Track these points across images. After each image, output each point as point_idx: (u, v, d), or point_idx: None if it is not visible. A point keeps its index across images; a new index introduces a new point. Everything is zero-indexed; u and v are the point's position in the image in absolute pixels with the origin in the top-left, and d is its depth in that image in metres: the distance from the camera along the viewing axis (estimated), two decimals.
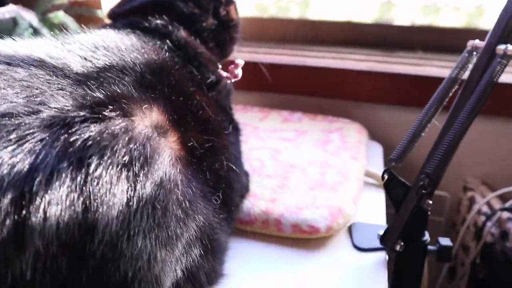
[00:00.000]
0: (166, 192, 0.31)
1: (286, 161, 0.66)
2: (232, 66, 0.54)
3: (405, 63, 0.90)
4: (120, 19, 0.53)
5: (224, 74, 0.54)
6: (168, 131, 0.36)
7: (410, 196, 0.49)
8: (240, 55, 0.60)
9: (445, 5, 0.95)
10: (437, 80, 0.82)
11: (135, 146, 0.30)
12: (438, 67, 0.87)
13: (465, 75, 0.49)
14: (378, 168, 0.72)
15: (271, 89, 0.91)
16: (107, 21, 0.56)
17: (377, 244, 0.52)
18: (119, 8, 0.56)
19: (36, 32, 0.91)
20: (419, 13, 0.98)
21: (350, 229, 0.56)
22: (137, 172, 0.29)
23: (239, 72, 0.54)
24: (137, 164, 0.29)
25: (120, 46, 0.42)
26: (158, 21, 0.50)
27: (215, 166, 0.43)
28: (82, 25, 0.50)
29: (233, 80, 0.55)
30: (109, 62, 0.39)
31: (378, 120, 0.87)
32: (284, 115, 0.84)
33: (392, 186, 0.50)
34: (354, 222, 0.57)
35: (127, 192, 0.28)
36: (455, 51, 0.89)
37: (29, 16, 0.88)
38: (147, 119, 0.34)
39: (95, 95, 0.32)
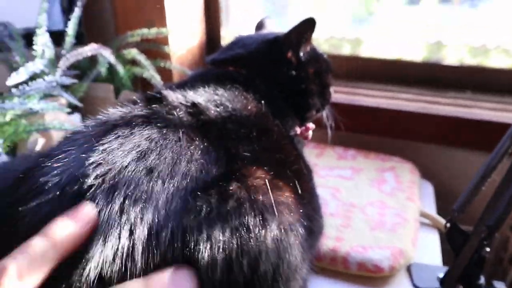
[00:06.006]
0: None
1: (347, 200, 0.72)
2: (304, 128, 0.59)
3: (454, 104, 0.94)
4: (220, 65, 0.58)
5: (298, 131, 0.60)
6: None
7: (470, 244, 0.54)
8: None
9: (495, 47, 0.99)
10: (486, 123, 0.87)
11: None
12: (487, 109, 0.91)
13: None
14: (430, 207, 0.77)
15: (325, 125, 0.97)
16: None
17: (436, 285, 0.57)
18: (218, 55, 0.61)
19: (111, 68, 1.00)
20: (467, 54, 1.02)
21: (409, 269, 0.61)
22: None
23: (309, 134, 0.59)
24: None
25: (233, 106, 0.46)
26: (251, 76, 0.54)
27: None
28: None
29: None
30: (231, 120, 0.43)
31: (429, 159, 0.91)
32: (338, 152, 0.90)
33: (453, 234, 0.55)
34: (413, 262, 0.62)
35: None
36: (504, 92, 0.93)
37: (106, 53, 0.96)
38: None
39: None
